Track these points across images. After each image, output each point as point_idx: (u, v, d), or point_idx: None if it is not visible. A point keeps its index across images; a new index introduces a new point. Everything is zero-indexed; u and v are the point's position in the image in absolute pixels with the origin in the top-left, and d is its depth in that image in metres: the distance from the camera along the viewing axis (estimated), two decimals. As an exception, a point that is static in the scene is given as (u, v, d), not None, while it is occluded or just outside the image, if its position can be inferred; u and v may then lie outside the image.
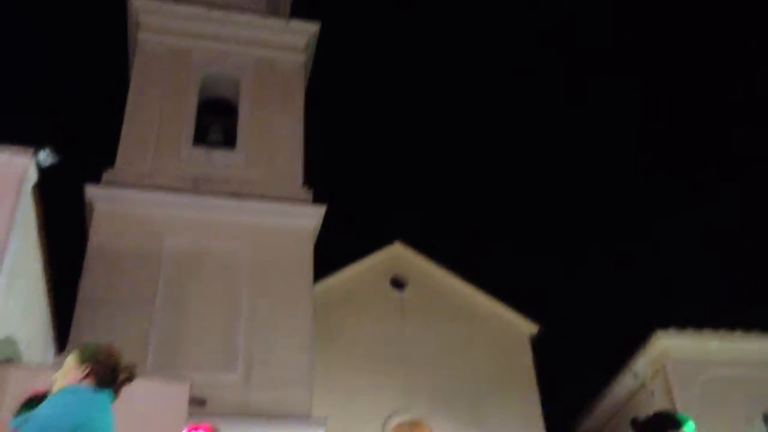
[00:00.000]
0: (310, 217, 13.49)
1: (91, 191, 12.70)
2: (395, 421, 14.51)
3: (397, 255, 16.69)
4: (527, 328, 16.41)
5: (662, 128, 34.55)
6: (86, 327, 10.99)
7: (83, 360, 3.18)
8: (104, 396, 3.15)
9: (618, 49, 36.48)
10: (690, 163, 33.57)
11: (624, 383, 16.43)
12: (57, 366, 3.33)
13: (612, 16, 35.50)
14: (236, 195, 13.26)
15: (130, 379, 3.28)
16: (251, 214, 13.15)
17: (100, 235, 12.35)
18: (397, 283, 16.28)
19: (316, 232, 13.63)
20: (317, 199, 13.73)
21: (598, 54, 36.30)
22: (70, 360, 3.20)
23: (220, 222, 12.91)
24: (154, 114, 13.96)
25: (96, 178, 12.90)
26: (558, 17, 37.95)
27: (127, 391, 3.30)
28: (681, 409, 14.30)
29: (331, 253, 15.66)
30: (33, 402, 3.24)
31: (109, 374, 3.19)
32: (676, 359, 15.06)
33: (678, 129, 34.27)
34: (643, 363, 15.76)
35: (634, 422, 3.97)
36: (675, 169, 33.47)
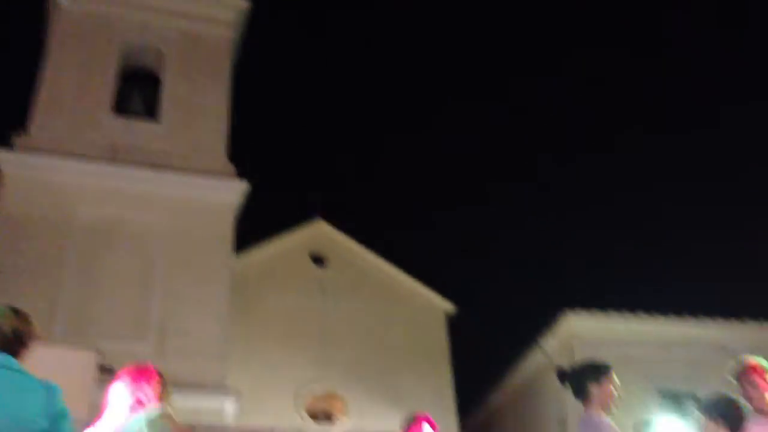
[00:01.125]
0: (232, 191, 13.42)
1: (2, 156, 12.32)
2: (310, 393, 14.71)
3: (318, 232, 16.82)
4: (443, 306, 16.84)
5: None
6: (-8, 292, 10.70)
7: None
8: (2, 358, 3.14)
9: None
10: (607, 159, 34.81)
11: (533, 361, 17.09)
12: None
13: None
14: (155, 166, 13.08)
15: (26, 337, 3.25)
16: (171, 186, 13.01)
17: (10, 201, 12.01)
18: (318, 260, 16.44)
19: (238, 207, 13.59)
20: (240, 174, 13.67)
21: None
22: None
23: (138, 193, 12.74)
24: (72, 79, 13.58)
25: (7, 144, 12.52)
26: None
27: (32, 357, 3.30)
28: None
29: (253, 228, 15.67)
30: None
31: (9, 335, 3.19)
32: (583, 339, 15.77)
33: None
34: (551, 342, 16.44)
35: (562, 372, 4.16)
36: (585, 157, 34.59)
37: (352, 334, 15.29)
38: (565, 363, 16.37)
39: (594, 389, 3.93)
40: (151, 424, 3.29)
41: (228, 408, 11.56)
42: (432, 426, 4.53)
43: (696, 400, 15.37)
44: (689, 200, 32.89)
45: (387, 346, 15.38)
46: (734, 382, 4.36)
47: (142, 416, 3.37)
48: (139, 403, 3.55)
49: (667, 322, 16.15)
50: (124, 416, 3.47)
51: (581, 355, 15.57)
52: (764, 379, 4.24)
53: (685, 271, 30.34)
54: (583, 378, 4.01)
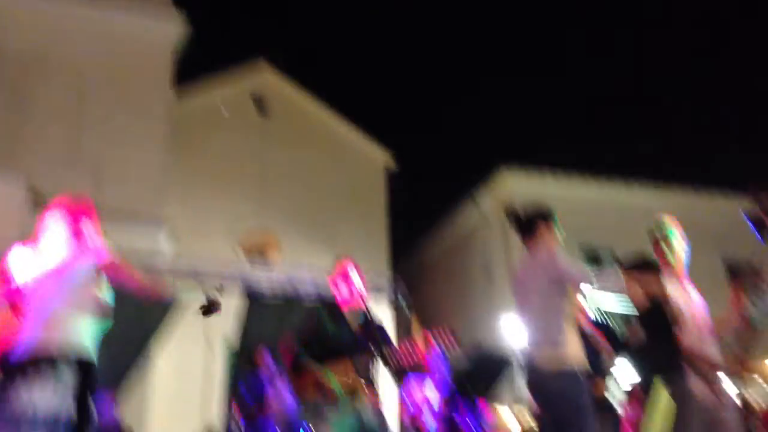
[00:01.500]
0: (171, 24, 12.95)
1: None
2: (245, 231, 14.85)
3: (261, 74, 16.31)
4: (383, 158, 16.89)
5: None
6: None
7: None
8: None
9: None
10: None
11: (467, 215, 17.59)
12: None
13: None
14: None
15: None
16: (105, 17, 12.48)
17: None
18: (259, 103, 16.01)
19: (178, 43, 13.17)
20: (180, 8, 13.14)
21: None
22: None
23: (72, 25, 12.23)
24: None
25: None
26: None
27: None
28: (514, 242, 15.63)
29: (196, 70, 15.20)
30: None
31: None
32: (516, 195, 16.19)
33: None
34: (487, 198, 16.86)
35: (511, 211, 4.26)
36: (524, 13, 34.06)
37: (291, 179, 15.28)
38: (497, 219, 16.94)
39: (543, 229, 4.11)
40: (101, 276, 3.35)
41: (163, 241, 11.63)
42: (359, 272, 4.62)
43: (614, 255, 16.28)
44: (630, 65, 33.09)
45: (326, 194, 15.48)
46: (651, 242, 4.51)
47: (91, 263, 3.35)
48: (78, 236, 3.49)
49: (597, 184, 16.68)
50: (67, 253, 3.41)
51: (514, 212, 16.10)
52: (668, 242, 4.37)
53: (618, 136, 31.05)
54: (535, 218, 4.17)
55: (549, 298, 3.85)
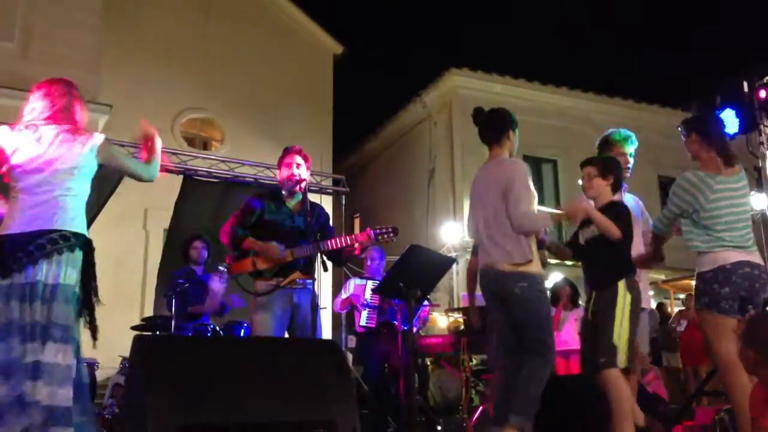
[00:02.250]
0: None
1: None
2: (186, 117, 14.48)
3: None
4: (332, 46, 16.46)
5: None
6: None
7: None
8: None
9: None
10: None
11: (413, 111, 17.49)
12: None
13: None
14: None
15: None
16: None
17: None
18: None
19: None
20: None
21: None
22: None
23: None
24: None
25: None
26: None
27: None
28: (458, 142, 15.72)
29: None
30: None
31: None
32: (462, 96, 16.15)
33: None
34: (433, 96, 16.75)
35: (480, 110, 4.22)
36: None
37: (235, 64, 14.78)
38: (443, 118, 16.94)
39: (511, 135, 4.13)
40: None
41: (101, 124, 11.21)
42: (304, 158, 4.58)
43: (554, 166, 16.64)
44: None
45: (271, 80, 15.07)
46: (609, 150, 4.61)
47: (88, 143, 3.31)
48: (67, 113, 3.37)
49: (543, 89, 16.75)
50: (60, 132, 3.29)
51: (459, 112, 16.08)
52: (621, 153, 4.51)
53: (566, 46, 30.99)
54: (504, 122, 4.14)
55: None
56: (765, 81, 4.91)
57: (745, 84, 4.99)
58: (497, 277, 3.85)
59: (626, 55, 30.32)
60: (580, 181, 4.14)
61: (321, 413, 2.54)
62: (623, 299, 3.76)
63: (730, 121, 5.07)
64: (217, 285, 6.05)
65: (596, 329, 3.80)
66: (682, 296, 12.62)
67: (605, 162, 4.11)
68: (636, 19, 32.99)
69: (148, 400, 2.39)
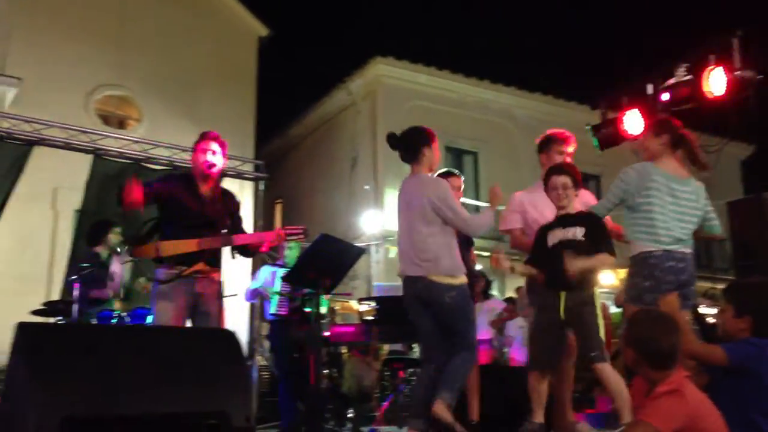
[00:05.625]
0: None
1: None
2: (101, 94, 13.96)
3: None
4: (256, 28, 16.15)
5: None
6: None
7: None
8: None
9: None
10: None
11: (337, 99, 17.43)
12: None
13: None
14: None
15: None
16: None
17: None
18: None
19: None
20: None
21: None
22: None
23: None
24: None
25: None
26: None
27: None
28: (381, 131, 15.75)
29: None
30: None
31: None
32: (387, 85, 16.20)
33: None
34: (358, 83, 16.73)
35: (393, 135, 4.41)
36: None
37: (155, 41, 14.30)
38: (367, 106, 16.96)
39: (426, 151, 4.30)
40: None
41: (9, 97, 10.71)
42: (221, 144, 4.50)
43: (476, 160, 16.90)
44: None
45: (193, 60, 14.66)
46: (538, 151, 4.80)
47: None
48: None
49: (466, 81, 16.97)
50: None
51: (383, 101, 16.13)
52: (560, 152, 4.65)
53: (492, 40, 31.45)
54: (417, 141, 4.33)
55: (435, 222, 4.14)
56: (668, 84, 5.09)
57: (650, 86, 5.17)
58: (427, 286, 4.10)
59: (549, 52, 31.02)
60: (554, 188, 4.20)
61: (213, 404, 2.51)
62: (598, 299, 4.00)
63: (635, 122, 5.25)
64: (117, 268, 5.89)
65: (580, 326, 3.96)
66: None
67: (574, 173, 4.22)
68: (560, 16, 33.79)
69: (30, 390, 2.31)
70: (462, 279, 4.15)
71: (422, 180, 4.28)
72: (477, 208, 13.46)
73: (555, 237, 4.10)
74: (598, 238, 3.98)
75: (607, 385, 3.89)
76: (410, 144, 4.35)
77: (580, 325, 3.96)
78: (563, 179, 4.13)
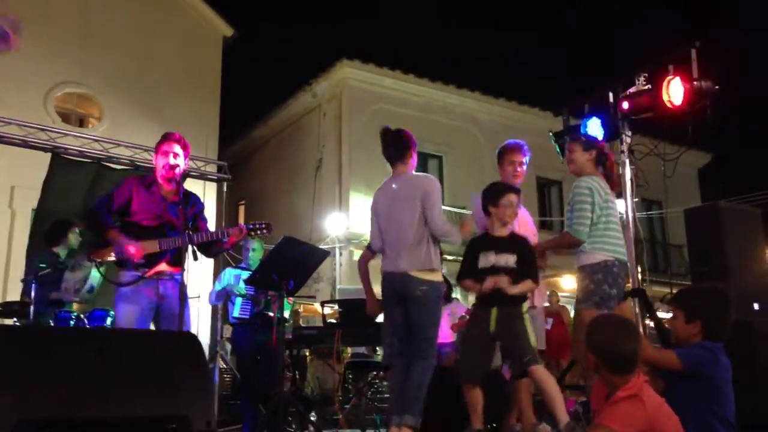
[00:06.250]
0: None
1: None
2: (62, 91, 13.71)
3: None
4: (221, 28, 16.03)
5: None
6: None
7: None
8: None
9: None
10: None
11: (302, 101, 17.39)
12: None
13: None
14: None
15: None
16: None
17: None
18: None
19: None
20: None
21: None
22: None
23: None
24: None
25: None
26: None
27: None
28: (346, 134, 15.75)
29: None
30: None
31: None
32: (353, 87, 16.22)
33: None
34: (323, 85, 16.71)
35: (386, 130, 4.45)
36: None
37: (118, 39, 14.10)
38: (332, 109, 16.91)
39: (414, 154, 4.45)
40: None
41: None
42: (183, 147, 4.45)
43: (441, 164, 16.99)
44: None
45: (156, 59, 14.48)
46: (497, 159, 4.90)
47: None
48: None
49: (432, 86, 17.06)
50: None
51: (348, 103, 16.13)
52: (512, 161, 4.74)
53: (459, 46, 31.67)
54: (409, 143, 4.44)
55: (422, 220, 4.22)
56: (628, 93, 5.17)
57: (611, 94, 5.24)
58: (403, 279, 4.17)
59: (514, 58, 31.34)
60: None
61: (173, 408, 2.48)
62: (526, 312, 4.13)
63: (595, 129, 5.33)
64: (73, 274, 5.75)
65: (511, 337, 4.06)
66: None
67: (518, 192, 4.36)
68: (526, 24, 34.16)
69: (-17, 393, 2.25)
70: (438, 276, 4.22)
71: (416, 178, 4.38)
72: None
73: (487, 261, 4.19)
74: (527, 268, 4.14)
75: (541, 386, 3.98)
76: (403, 144, 4.41)
77: (511, 336, 4.08)
78: (516, 199, 4.29)
